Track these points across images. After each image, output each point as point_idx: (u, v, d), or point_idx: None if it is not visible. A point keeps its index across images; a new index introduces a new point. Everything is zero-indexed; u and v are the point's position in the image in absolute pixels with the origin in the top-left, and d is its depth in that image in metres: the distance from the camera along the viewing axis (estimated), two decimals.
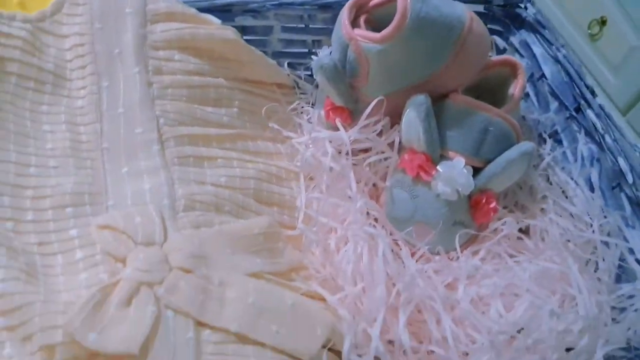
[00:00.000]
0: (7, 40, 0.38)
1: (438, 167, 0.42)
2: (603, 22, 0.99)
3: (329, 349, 0.35)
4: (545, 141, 0.50)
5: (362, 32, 0.42)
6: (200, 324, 0.33)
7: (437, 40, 0.41)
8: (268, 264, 0.38)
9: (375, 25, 0.45)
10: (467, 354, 0.37)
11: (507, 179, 0.43)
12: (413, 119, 0.42)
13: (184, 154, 0.41)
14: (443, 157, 0.43)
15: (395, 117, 0.45)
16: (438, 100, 0.44)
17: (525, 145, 0.42)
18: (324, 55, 0.44)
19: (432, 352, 0.37)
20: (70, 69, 0.41)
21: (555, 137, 0.49)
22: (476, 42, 0.42)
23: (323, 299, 0.38)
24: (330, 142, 0.45)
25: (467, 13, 0.42)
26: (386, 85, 0.43)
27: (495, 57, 0.48)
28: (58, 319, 0.30)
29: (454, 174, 0.41)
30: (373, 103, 0.43)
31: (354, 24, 0.44)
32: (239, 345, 0.32)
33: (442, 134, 0.43)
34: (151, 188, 0.39)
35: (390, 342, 0.37)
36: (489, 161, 0.43)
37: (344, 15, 0.43)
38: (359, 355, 0.35)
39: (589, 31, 1.01)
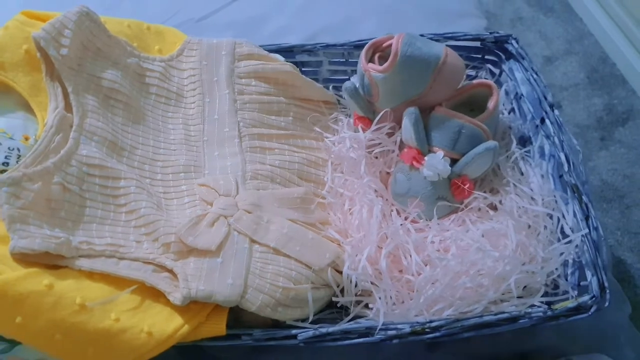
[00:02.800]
0: (151, 73, 0.61)
1: (425, 158, 0.58)
2: None
3: (334, 269, 0.53)
4: (522, 142, 0.64)
5: (372, 66, 0.60)
6: (252, 241, 0.52)
7: (420, 70, 0.58)
8: (302, 216, 0.57)
9: (387, 60, 0.63)
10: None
11: (477, 167, 0.58)
12: (407, 124, 0.59)
13: (253, 145, 0.61)
14: (430, 151, 0.59)
15: (400, 123, 0.62)
16: (427, 111, 0.60)
17: (489, 143, 0.57)
18: (348, 81, 0.63)
19: (409, 281, 0.54)
20: (186, 91, 0.63)
21: (529, 139, 0.63)
22: (450, 71, 0.59)
23: (338, 242, 0.56)
24: (354, 140, 0.63)
25: (443, 50, 0.59)
26: (391, 101, 0.61)
27: (476, 80, 0.63)
28: (172, 230, 0.50)
29: (434, 162, 0.57)
30: (380, 114, 0.61)
31: (372, 59, 0.63)
32: (275, 255, 0.51)
33: (428, 134, 0.59)
34: (231, 165, 0.59)
35: (381, 272, 0.54)
36: (463, 154, 0.58)
37: (362, 54, 0.61)
38: (354, 270, 0.52)
39: None
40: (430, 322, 0.48)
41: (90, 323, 0.43)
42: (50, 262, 0.46)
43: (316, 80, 0.69)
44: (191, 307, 0.47)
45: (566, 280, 0.53)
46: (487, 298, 0.50)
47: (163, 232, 0.50)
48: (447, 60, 0.58)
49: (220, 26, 0.83)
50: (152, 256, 0.49)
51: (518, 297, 0.51)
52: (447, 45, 0.64)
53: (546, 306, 0.50)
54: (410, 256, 0.53)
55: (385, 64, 0.58)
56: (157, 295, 0.48)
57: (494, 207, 0.59)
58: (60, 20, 0.56)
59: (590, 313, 0.49)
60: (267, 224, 0.53)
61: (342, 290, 0.53)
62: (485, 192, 0.60)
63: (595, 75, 1.26)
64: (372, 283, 0.52)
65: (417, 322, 0.48)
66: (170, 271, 0.49)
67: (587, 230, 0.52)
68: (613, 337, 0.57)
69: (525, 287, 0.53)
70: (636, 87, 1.22)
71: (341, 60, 0.70)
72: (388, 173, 0.64)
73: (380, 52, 0.63)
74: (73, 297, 0.44)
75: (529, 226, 0.56)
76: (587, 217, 0.53)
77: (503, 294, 0.51)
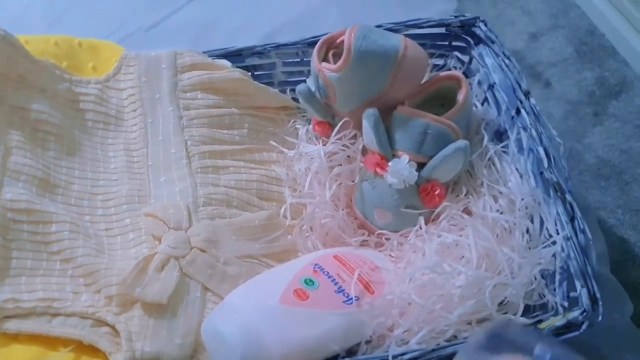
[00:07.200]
0: (85, 97, 0.54)
1: (389, 164, 0.52)
2: None
3: None
4: (498, 136, 0.57)
5: (325, 65, 0.53)
6: (205, 288, 0.46)
7: (378, 66, 0.51)
8: (264, 247, 0.51)
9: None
10: None
11: (447, 170, 0.52)
12: (367, 127, 0.52)
13: (204, 165, 0.54)
14: (394, 156, 0.52)
15: (361, 128, 0.55)
16: (389, 111, 0.53)
17: (459, 143, 0.51)
18: (302, 84, 0.56)
19: None
20: (126, 112, 0.56)
21: (505, 133, 0.56)
22: (411, 63, 0.51)
23: None
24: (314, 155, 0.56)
25: (402, 42, 0.51)
26: (349, 102, 0.54)
27: (442, 73, 0.56)
28: (114, 280, 0.44)
29: (399, 168, 0.51)
30: (340, 124, 0.54)
31: (326, 57, 0.56)
32: None
33: (392, 137, 0.52)
34: (180, 190, 0.52)
35: None
36: (431, 157, 0.51)
37: (314, 53, 0.54)
38: None
39: None
40: (403, 354, 0.42)
41: None
42: None
43: (271, 84, 0.63)
44: None
45: (554, 291, 0.47)
46: (451, 321, 0.44)
47: (104, 283, 0.44)
48: (406, 52, 0.51)
49: (172, 33, 0.76)
50: (92, 310, 0.43)
51: (497, 312, 0.45)
52: (410, 34, 0.57)
53: (532, 326, 0.43)
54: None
55: (339, 62, 0.51)
56: (96, 351, 0.42)
57: (470, 213, 0.53)
58: None
59: (581, 330, 0.42)
60: (224, 267, 0.47)
61: None
62: (458, 196, 0.53)
63: (584, 48, 1.18)
64: None
65: (388, 355, 0.42)
66: (112, 326, 0.43)
67: (565, 233, 0.45)
68: (611, 342, 0.51)
69: (502, 302, 0.46)
70: (627, 58, 1.14)
71: (296, 60, 0.63)
72: (354, 181, 0.57)
73: (334, 48, 0.56)
74: None
75: (508, 231, 0.49)
76: (572, 219, 0.47)
77: (476, 313, 0.45)
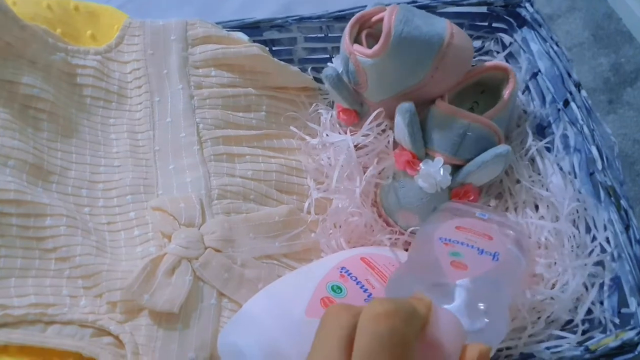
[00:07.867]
0: (83, 70, 0.48)
1: (420, 165, 0.46)
2: None
3: None
4: (540, 130, 0.52)
5: (358, 48, 0.47)
6: (221, 294, 0.41)
7: (419, 55, 0.45)
8: (284, 246, 0.45)
9: (378, 38, 0.49)
10: None
11: (484, 176, 0.46)
12: (400, 123, 0.46)
13: (218, 152, 0.48)
14: (428, 155, 0.47)
15: (392, 118, 0.50)
16: (426, 105, 0.48)
17: (500, 148, 0.45)
18: (329, 67, 0.50)
19: None
20: (130, 89, 0.50)
21: (549, 127, 0.52)
22: (456, 54, 0.45)
23: None
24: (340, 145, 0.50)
25: (447, 29, 0.45)
26: (382, 91, 0.48)
27: (488, 63, 0.50)
28: (117, 284, 0.39)
29: (431, 171, 0.45)
30: (373, 115, 0.48)
31: (357, 38, 0.49)
32: None
33: (427, 135, 0.47)
34: (192, 180, 0.46)
35: None
36: (467, 160, 0.46)
37: (346, 32, 0.48)
38: None
39: None
40: None
41: None
42: None
43: (290, 61, 0.57)
44: None
45: (601, 304, 0.43)
46: None
47: (107, 286, 0.38)
48: (452, 41, 0.45)
49: (176, 1, 0.69)
50: (92, 317, 0.38)
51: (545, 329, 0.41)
52: (446, 12, 0.52)
53: (583, 346, 0.39)
54: None
55: (375, 47, 0.45)
56: None
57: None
58: None
59: (636, 352, 0.39)
60: (241, 269, 0.42)
61: None
62: (496, 198, 0.49)
63: (601, 32, 1.13)
64: None
65: None
66: (116, 336, 0.38)
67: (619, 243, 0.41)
68: None
69: (548, 317, 0.42)
70: None
71: (319, 35, 0.57)
72: (379, 173, 0.52)
73: (368, 28, 0.50)
74: None
75: (553, 236, 0.45)
76: (627, 228, 0.42)
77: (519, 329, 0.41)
